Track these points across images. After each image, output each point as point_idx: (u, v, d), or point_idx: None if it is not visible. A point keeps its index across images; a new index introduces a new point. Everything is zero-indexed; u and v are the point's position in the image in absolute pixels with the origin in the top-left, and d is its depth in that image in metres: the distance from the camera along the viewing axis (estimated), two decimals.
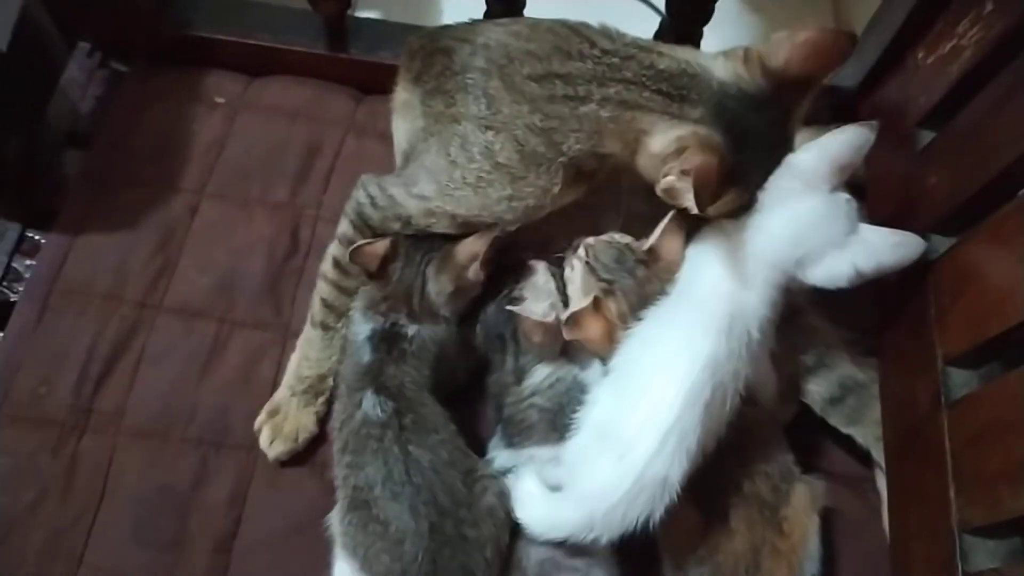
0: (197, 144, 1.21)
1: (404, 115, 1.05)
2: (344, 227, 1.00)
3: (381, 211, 0.96)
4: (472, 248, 0.96)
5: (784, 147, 0.88)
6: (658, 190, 0.87)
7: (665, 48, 0.88)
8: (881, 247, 0.89)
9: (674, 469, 0.82)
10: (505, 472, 0.94)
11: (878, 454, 0.98)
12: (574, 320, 0.91)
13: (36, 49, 1.24)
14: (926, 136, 1.02)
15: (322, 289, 1.02)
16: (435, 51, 0.98)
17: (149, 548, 0.95)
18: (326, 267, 1.02)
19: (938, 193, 0.95)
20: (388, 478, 0.86)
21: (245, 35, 1.26)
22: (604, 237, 0.98)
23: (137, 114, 1.23)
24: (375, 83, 1.21)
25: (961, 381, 0.87)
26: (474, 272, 0.97)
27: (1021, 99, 0.85)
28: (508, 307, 0.98)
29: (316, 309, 1.03)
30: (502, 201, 0.92)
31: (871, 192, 1.07)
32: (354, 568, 0.87)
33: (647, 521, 0.82)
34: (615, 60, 0.86)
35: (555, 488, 0.90)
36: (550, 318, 0.94)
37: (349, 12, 1.26)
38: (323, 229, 1.15)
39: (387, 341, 0.95)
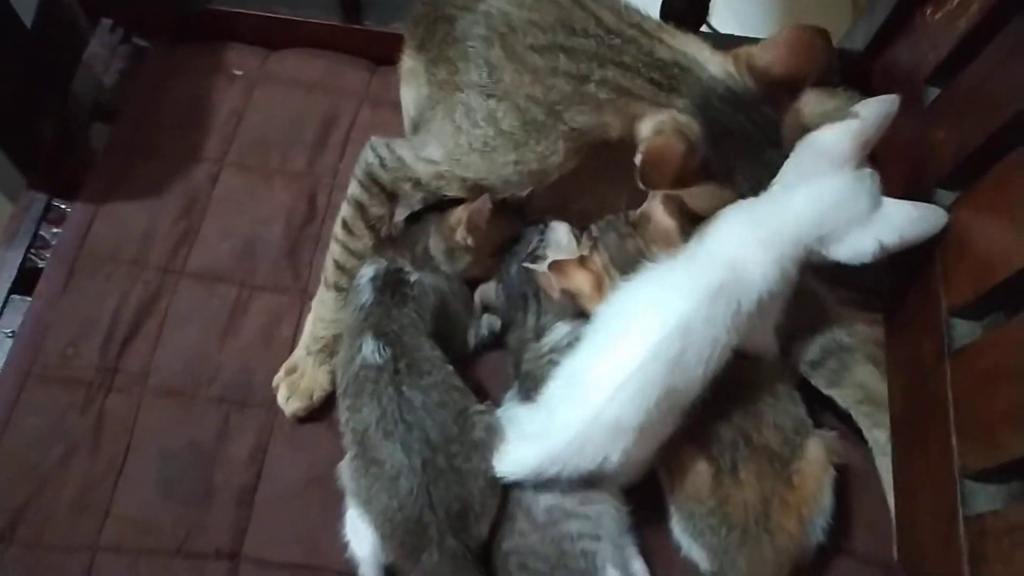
0: (217, 115, 1.24)
1: (409, 82, 1.07)
2: (353, 188, 1.02)
3: (391, 172, 0.98)
4: (458, 214, 1.00)
5: (772, 147, 0.89)
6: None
7: (668, 36, 0.89)
8: (904, 221, 0.89)
9: (628, 416, 0.84)
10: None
11: (858, 416, 0.98)
12: (558, 268, 0.94)
13: (60, 25, 1.29)
14: (934, 93, 1.02)
15: (333, 250, 1.05)
16: (438, 19, 1.00)
17: (174, 501, 0.99)
18: (337, 229, 1.04)
19: (945, 148, 0.96)
20: (382, 418, 0.89)
21: (263, 8, 1.29)
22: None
23: (159, 87, 1.26)
24: (389, 54, 1.22)
25: (965, 332, 0.88)
26: (460, 235, 1.00)
27: None
28: (527, 264, 1.00)
29: (329, 271, 1.05)
30: (507, 165, 0.93)
31: (881, 150, 1.07)
32: (359, 513, 0.90)
33: (604, 463, 0.85)
34: (616, 41, 0.88)
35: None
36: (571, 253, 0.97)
37: None
38: (339, 196, 1.16)
39: (390, 285, 0.98)
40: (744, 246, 0.89)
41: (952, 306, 0.89)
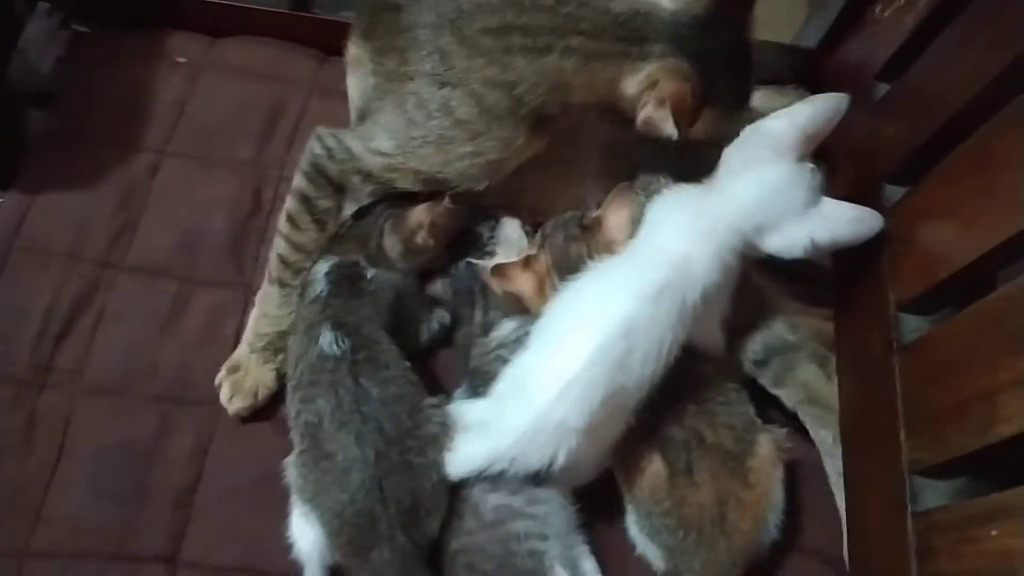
0: (159, 104, 1.20)
1: (355, 71, 1.05)
2: (298, 180, 1.00)
3: (339, 164, 0.96)
4: (419, 216, 0.97)
5: (746, 60, 0.90)
6: (639, 126, 0.88)
7: None
8: (839, 221, 0.90)
9: (573, 417, 0.84)
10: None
11: (803, 416, 0.99)
12: (501, 272, 0.94)
13: None
14: (884, 89, 1.03)
15: (278, 245, 1.02)
16: (383, 7, 0.98)
17: (108, 502, 0.95)
18: (281, 222, 1.02)
19: (894, 144, 0.96)
20: (337, 408, 0.87)
21: None
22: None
23: (98, 74, 1.22)
24: (339, 43, 1.20)
25: (913, 327, 0.89)
26: (422, 238, 0.98)
27: (971, 47, 0.86)
28: (473, 261, 0.99)
29: (273, 265, 1.02)
30: (464, 158, 0.92)
31: (832, 146, 1.08)
32: (306, 511, 0.87)
33: (550, 463, 0.85)
34: (569, 9, 0.86)
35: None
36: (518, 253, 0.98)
37: None
38: (286, 189, 1.12)
39: (347, 279, 0.96)
40: (686, 238, 0.89)
41: (900, 300, 0.89)
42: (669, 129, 0.85)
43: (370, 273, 0.97)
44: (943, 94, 0.89)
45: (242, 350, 1.02)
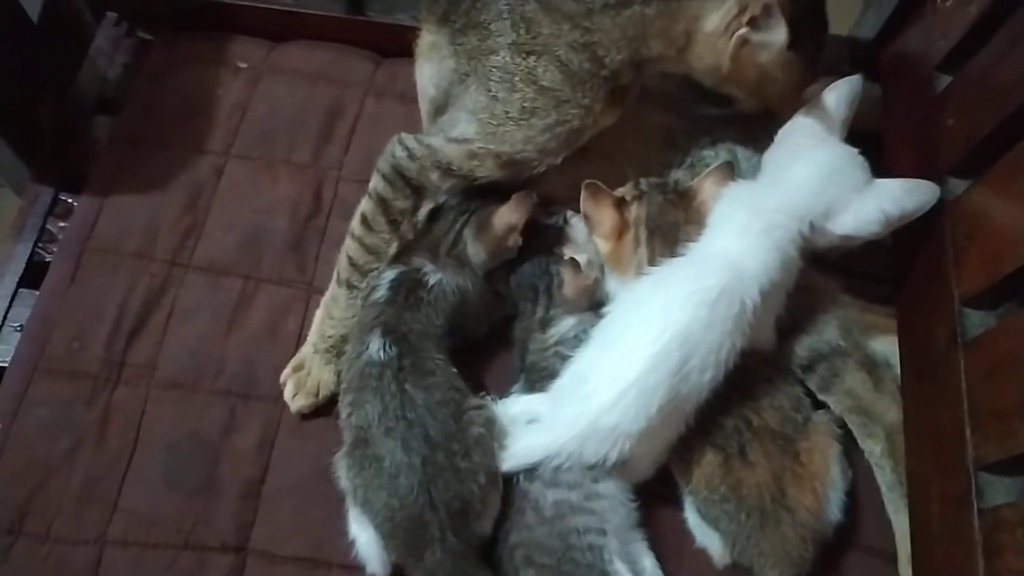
0: (222, 108, 1.24)
1: (431, 58, 1.04)
2: (375, 182, 1.01)
3: (419, 162, 0.96)
4: (509, 220, 0.97)
5: (823, 13, 0.89)
6: (726, 66, 0.88)
7: None
8: (900, 193, 0.90)
9: (627, 422, 0.85)
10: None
11: (850, 423, 0.98)
12: (594, 192, 0.95)
13: (66, 20, 1.29)
14: (945, 80, 1.01)
15: (349, 246, 1.04)
16: None
17: (180, 493, 0.98)
18: (354, 224, 1.03)
19: (955, 135, 0.95)
20: (384, 414, 0.89)
21: (267, 1, 1.28)
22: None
23: (163, 80, 1.26)
24: (393, 45, 1.23)
25: (977, 321, 0.87)
26: (513, 240, 0.99)
27: None
28: (554, 265, 1.01)
29: (342, 267, 1.04)
30: (546, 130, 0.92)
31: (889, 140, 1.07)
32: (357, 514, 0.90)
33: (604, 461, 0.87)
34: None
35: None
36: (589, 278, 0.98)
37: None
38: (345, 189, 1.18)
39: (407, 287, 0.97)
40: (742, 238, 0.89)
41: (964, 295, 0.88)
42: (780, 34, 0.83)
43: (432, 279, 0.98)
44: (1008, 85, 0.87)
45: (306, 350, 1.05)
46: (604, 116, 0.93)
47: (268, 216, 1.16)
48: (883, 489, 0.97)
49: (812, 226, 0.90)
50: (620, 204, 0.97)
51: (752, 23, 0.83)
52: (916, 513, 0.90)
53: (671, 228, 0.95)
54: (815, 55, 0.90)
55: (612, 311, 0.92)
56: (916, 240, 0.96)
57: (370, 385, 0.91)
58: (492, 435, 0.90)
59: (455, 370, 0.95)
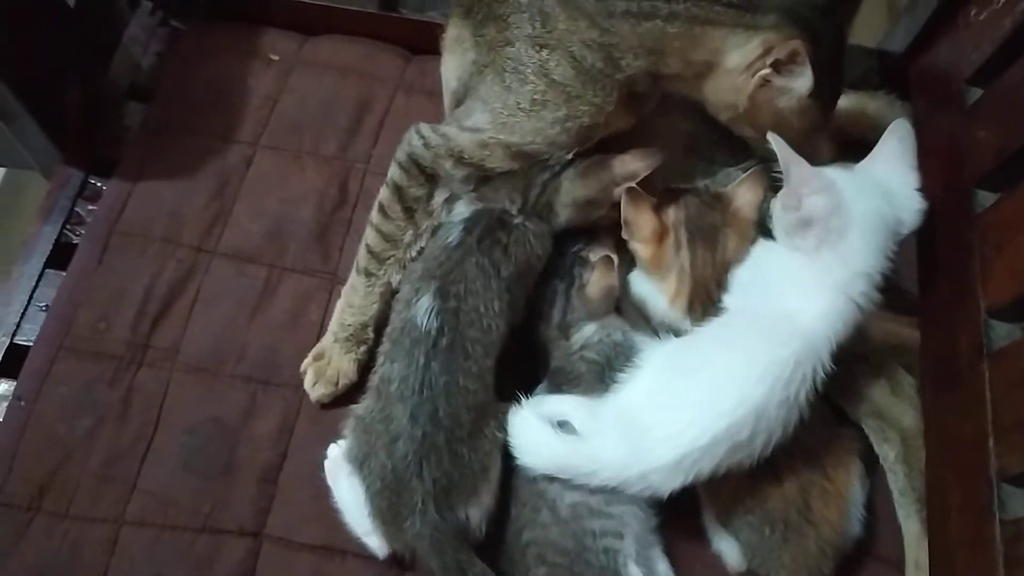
0: (252, 98, 1.25)
1: (454, 51, 1.06)
2: (393, 171, 1.02)
3: (433, 150, 0.97)
4: (632, 167, 0.95)
5: (842, 58, 0.88)
6: (743, 105, 0.88)
7: None
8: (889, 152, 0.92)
9: (678, 481, 0.84)
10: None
11: (867, 429, 0.97)
12: (634, 196, 0.94)
13: (101, 6, 1.30)
14: (976, 93, 1.01)
15: (367, 235, 1.05)
16: None
17: (199, 476, 0.99)
18: (372, 213, 1.04)
19: (985, 148, 0.95)
20: (404, 380, 0.90)
21: None
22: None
23: (195, 69, 1.28)
24: (424, 42, 1.24)
25: (1004, 333, 0.87)
26: (619, 193, 0.96)
27: None
28: (577, 267, 1.00)
29: (361, 255, 1.05)
30: (556, 123, 0.92)
31: (919, 151, 1.06)
32: (351, 472, 0.91)
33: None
34: None
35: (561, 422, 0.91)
36: (615, 279, 0.96)
37: None
38: (371, 182, 1.19)
39: (487, 229, 0.95)
40: (815, 298, 0.86)
41: (990, 307, 0.88)
42: (806, 81, 0.83)
43: (516, 221, 0.96)
44: None
45: (327, 339, 1.05)
46: (618, 118, 0.93)
47: (294, 206, 1.17)
48: (895, 494, 0.96)
49: (896, 237, 0.88)
50: (658, 208, 0.96)
51: (776, 66, 0.83)
52: (935, 522, 0.90)
53: (711, 230, 0.94)
54: (830, 104, 0.90)
55: (673, 353, 0.90)
56: (942, 251, 0.96)
57: (404, 346, 0.92)
58: (502, 435, 0.90)
59: (491, 362, 0.93)
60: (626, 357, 0.95)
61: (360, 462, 0.90)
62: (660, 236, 0.95)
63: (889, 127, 0.92)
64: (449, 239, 0.96)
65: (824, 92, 0.87)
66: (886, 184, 0.89)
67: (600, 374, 0.95)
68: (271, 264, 1.13)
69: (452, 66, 1.07)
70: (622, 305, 1.01)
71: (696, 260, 0.94)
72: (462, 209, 0.98)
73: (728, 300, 0.91)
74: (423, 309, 0.92)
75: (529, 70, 0.90)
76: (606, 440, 0.87)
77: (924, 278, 1.00)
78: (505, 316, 0.94)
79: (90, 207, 1.18)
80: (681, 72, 0.88)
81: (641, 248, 0.96)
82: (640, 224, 0.96)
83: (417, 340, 0.91)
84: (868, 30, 1.38)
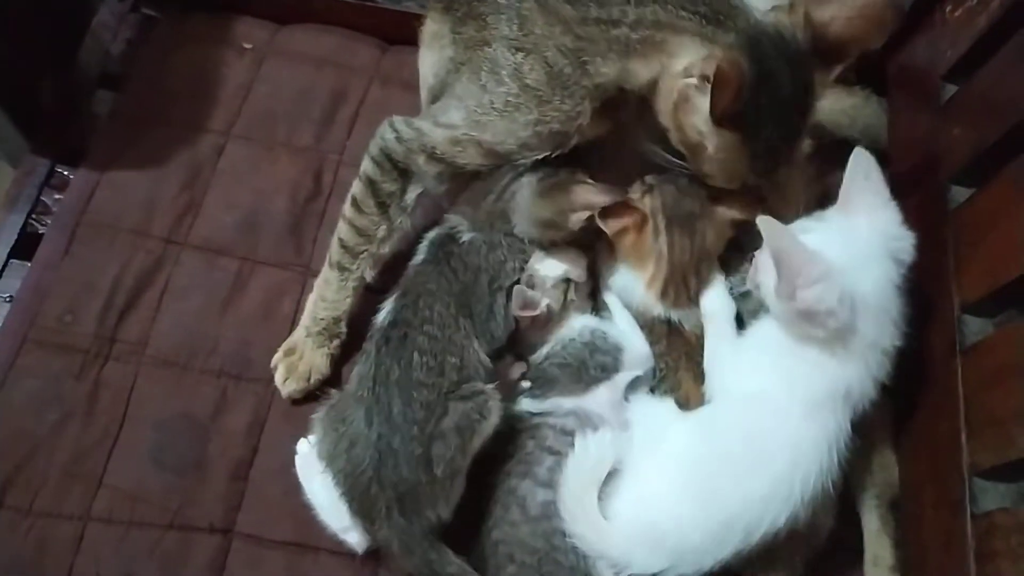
0: (225, 87, 1.23)
1: (432, 46, 1.04)
2: (366, 165, 1.00)
3: (405, 144, 0.96)
4: (589, 198, 0.93)
5: (801, 116, 0.85)
6: (668, 114, 0.86)
7: None
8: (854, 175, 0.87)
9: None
10: (532, 416, 0.95)
11: None
12: (609, 213, 0.93)
13: None
14: (951, 90, 1.02)
15: (340, 229, 1.03)
16: None
17: (168, 471, 0.97)
18: (345, 207, 1.03)
19: (961, 144, 0.95)
20: (362, 380, 0.90)
21: None
22: None
23: (167, 57, 1.25)
24: (400, 33, 1.22)
25: (977, 328, 0.88)
26: (576, 221, 0.94)
27: None
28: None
29: (334, 249, 1.03)
30: (528, 126, 0.91)
31: (894, 148, 1.07)
32: (322, 468, 0.90)
33: None
34: None
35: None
36: (540, 309, 0.95)
37: None
38: (345, 173, 1.17)
39: (440, 243, 0.98)
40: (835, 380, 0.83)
41: (964, 303, 0.88)
42: (699, 113, 0.82)
43: (466, 236, 0.98)
44: (1013, 97, 0.88)
45: (299, 333, 1.04)
46: (591, 127, 0.92)
47: (267, 198, 1.15)
48: (856, 491, 0.95)
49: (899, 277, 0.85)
50: (628, 203, 0.95)
51: (701, 79, 0.81)
52: (910, 519, 0.90)
53: (688, 217, 0.94)
54: (768, 154, 0.85)
55: (719, 420, 0.88)
56: (917, 247, 0.96)
57: (368, 347, 0.93)
58: (464, 431, 0.87)
59: (456, 359, 0.91)
60: (600, 349, 0.95)
61: (328, 462, 0.89)
62: (640, 225, 0.95)
63: (850, 162, 0.86)
64: (419, 258, 0.98)
65: (763, 134, 0.83)
66: (875, 233, 0.84)
67: (576, 374, 0.95)
68: (243, 256, 1.11)
69: (429, 61, 1.05)
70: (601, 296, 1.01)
71: (674, 245, 0.94)
72: (430, 233, 1.00)
73: (741, 384, 0.88)
74: (386, 310, 0.94)
75: (505, 72, 0.90)
76: (637, 487, 0.87)
77: None
78: (467, 322, 0.94)
79: (57, 196, 1.15)
80: (643, 80, 0.87)
81: (622, 238, 0.95)
82: (619, 218, 0.95)
83: (371, 337, 0.93)
84: None
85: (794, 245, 0.79)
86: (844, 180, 0.85)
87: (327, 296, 1.03)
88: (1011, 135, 0.87)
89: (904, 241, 0.85)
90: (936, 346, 0.90)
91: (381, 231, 1.01)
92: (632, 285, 0.98)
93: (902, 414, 0.94)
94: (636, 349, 0.96)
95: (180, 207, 1.13)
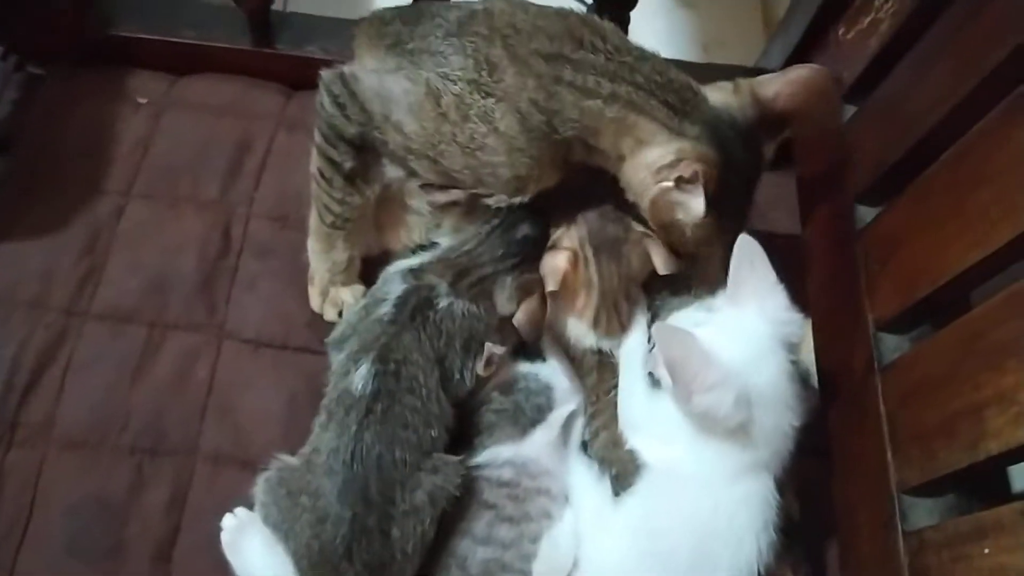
0: (121, 145, 1.17)
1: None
2: (317, 137, 0.95)
3: (356, 125, 0.92)
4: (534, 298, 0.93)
5: (754, 184, 0.90)
6: (645, 201, 0.88)
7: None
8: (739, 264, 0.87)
9: None
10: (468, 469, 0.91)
11: None
12: (547, 271, 0.93)
13: None
14: (851, 111, 1.04)
15: (318, 195, 0.99)
16: (420, 15, 0.95)
17: (83, 560, 0.92)
18: (315, 174, 0.98)
19: (864, 165, 0.98)
20: (334, 452, 0.84)
21: (167, 34, 1.22)
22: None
23: (58, 117, 1.19)
24: (304, 78, 1.18)
25: (893, 346, 0.90)
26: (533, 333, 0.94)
27: (937, 68, 0.88)
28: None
29: (320, 211, 1.00)
30: (488, 166, 0.89)
31: (801, 171, 1.09)
32: (270, 535, 0.86)
33: None
34: (628, 59, 0.86)
35: None
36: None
37: (276, 7, 1.24)
38: (256, 225, 1.13)
39: (415, 307, 0.91)
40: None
41: (879, 320, 0.90)
42: (689, 211, 0.84)
43: (444, 302, 0.92)
44: (911, 114, 0.90)
45: (319, 284, 1.04)
46: (548, 176, 0.92)
47: (173, 257, 1.10)
48: None
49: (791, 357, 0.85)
50: (555, 247, 0.94)
51: (678, 181, 0.84)
52: (846, 540, 0.91)
53: (614, 243, 0.93)
54: (731, 224, 0.89)
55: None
56: (830, 269, 0.99)
57: (338, 415, 0.86)
58: (432, 506, 0.84)
59: (435, 431, 0.88)
60: (536, 393, 0.94)
61: (284, 531, 0.85)
62: (575, 261, 0.93)
63: (735, 250, 0.85)
64: (383, 313, 0.91)
65: (726, 211, 0.87)
66: (765, 322, 0.84)
67: (514, 418, 0.94)
68: (151, 322, 1.06)
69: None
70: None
71: (603, 272, 0.93)
72: (393, 287, 0.93)
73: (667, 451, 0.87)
74: (360, 375, 0.87)
75: (472, 111, 0.87)
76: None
77: (814, 296, 1.01)
78: (443, 389, 0.90)
79: None
80: (609, 150, 0.88)
81: (569, 296, 0.94)
82: (555, 265, 0.92)
83: (350, 407, 0.86)
84: (746, 48, 1.42)
85: (689, 352, 0.79)
86: (731, 269, 0.86)
87: (337, 243, 1.02)
88: (911, 153, 0.90)
89: (793, 325, 0.85)
90: (856, 366, 0.91)
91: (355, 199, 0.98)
92: (564, 315, 0.96)
93: (831, 434, 0.95)
94: (564, 384, 0.96)
95: (80, 274, 1.07)
